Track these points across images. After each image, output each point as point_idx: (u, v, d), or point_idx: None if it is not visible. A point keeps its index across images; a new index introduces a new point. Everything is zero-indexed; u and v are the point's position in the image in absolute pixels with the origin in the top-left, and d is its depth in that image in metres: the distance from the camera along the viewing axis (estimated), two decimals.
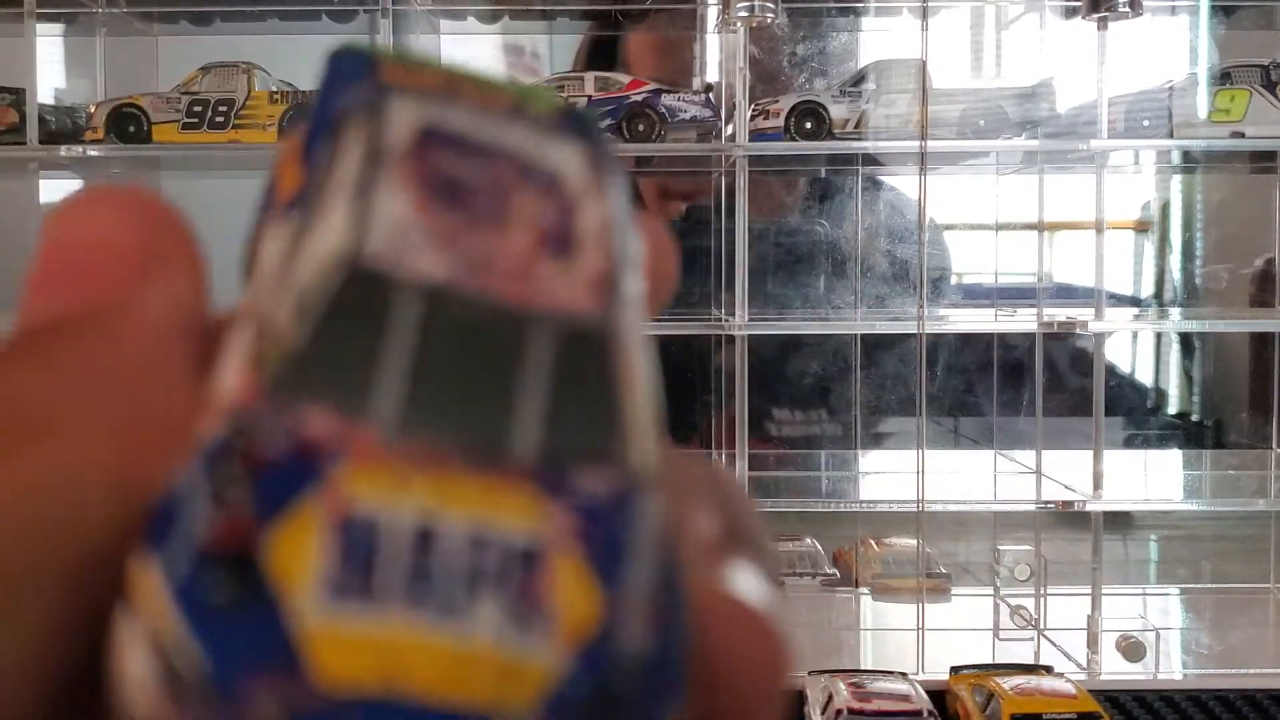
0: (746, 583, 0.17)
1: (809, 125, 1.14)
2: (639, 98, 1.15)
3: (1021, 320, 1.22)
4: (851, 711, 0.90)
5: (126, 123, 1.14)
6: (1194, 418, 1.57)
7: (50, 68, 1.17)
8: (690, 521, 0.17)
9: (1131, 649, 1.07)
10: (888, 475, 1.41)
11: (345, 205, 0.17)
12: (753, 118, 1.13)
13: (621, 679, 0.15)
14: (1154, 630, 1.08)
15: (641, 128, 1.14)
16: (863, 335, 1.35)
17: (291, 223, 0.17)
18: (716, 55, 1.27)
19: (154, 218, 0.19)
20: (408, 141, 0.17)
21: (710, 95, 1.18)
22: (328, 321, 0.16)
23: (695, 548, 0.17)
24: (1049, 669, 1.01)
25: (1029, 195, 1.24)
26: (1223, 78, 1.12)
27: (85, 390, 0.16)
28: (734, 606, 0.17)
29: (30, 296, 0.18)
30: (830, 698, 0.93)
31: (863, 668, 1.02)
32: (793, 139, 1.14)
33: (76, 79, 1.30)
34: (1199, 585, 1.36)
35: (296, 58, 1.25)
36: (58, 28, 1.26)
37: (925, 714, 0.89)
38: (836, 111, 1.14)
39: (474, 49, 1.45)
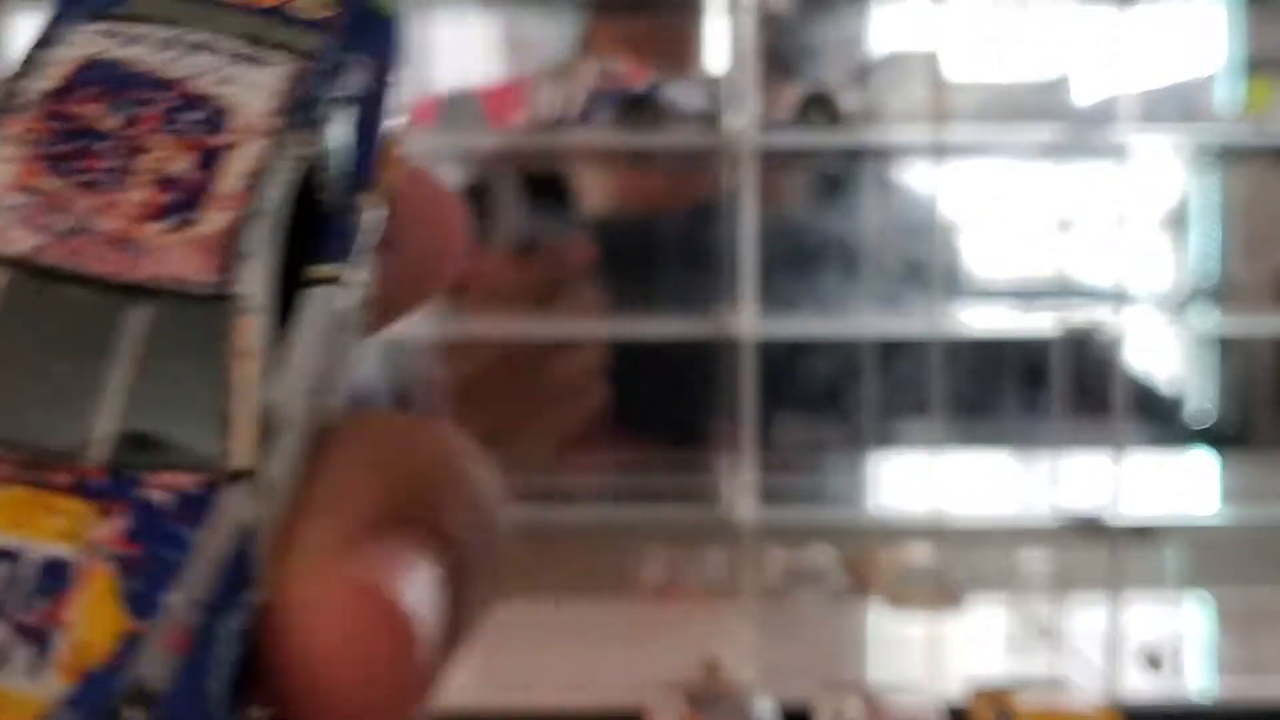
0: (380, 571, 0.15)
1: (819, 115, 1.12)
2: (641, 87, 1.13)
3: (1041, 321, 1.20)
4: None
5: None
6: (1219, 421, 1.54)
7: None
8: (331, 503, 0.16)
9: (1153, 661, 1.05)
10: (903, 484, 1.39)
11: None
12: (761, 108, 1.11)
13: (132, 710, 0.14)
14: (1176, 642, 1.07)
15: (643, 118, 1.12)
16: (876, 336, 1.33)
17: None
18: (720, 45, 1.25)
19: None
20: (53, 84, 0.16)
21: (716, 84, 1.16)
22: None
23: (322, 537, 0.15)
24: (1068, 682, 0.99)
25: (1048, 190, 1.21)
26: (1253, 68, 1.10)
27: None
28: (347, 597, 0.15)
29: None
30: (841, 714, 0.91)
31: (874, 680, 1.00)
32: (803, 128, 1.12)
33: None
34: (1222, 595, 1.33)
35: None
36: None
37: None
38: (847, 101, 1.12)
39: (470, 36, 1.43)
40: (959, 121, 1.12)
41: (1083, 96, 1.14)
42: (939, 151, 1.10)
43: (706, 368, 1.26)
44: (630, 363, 1.39)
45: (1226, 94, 1.09)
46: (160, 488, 0.15)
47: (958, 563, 1.28)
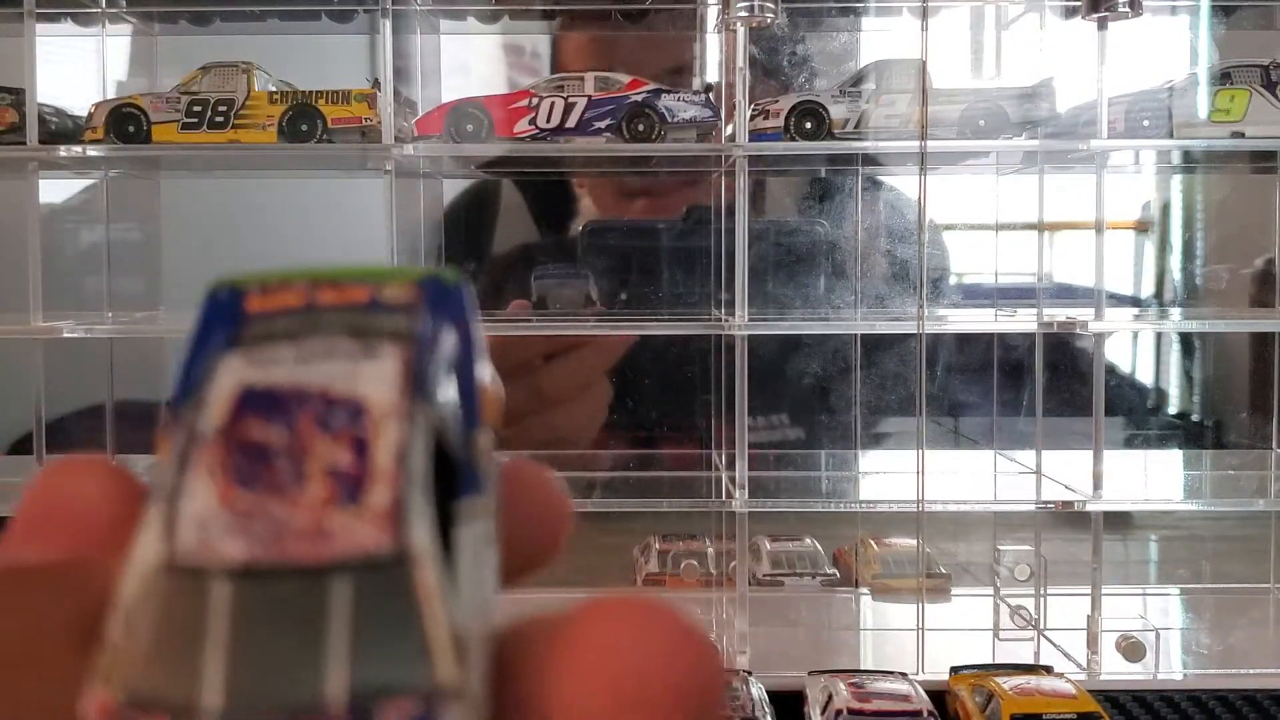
0: None
1: (809, 125, 1.14)
2: (639, 97, 1.15)
3: (1021, 320, 1.22)
4: (851, 711, 0.90)
5: (126, 123, 1.14)
6: (1194, 418, 1.57)
7: (50, 68, 1.17)
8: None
9: (1131, 649, 1.07)
10: (888, 475, 1.41)
11: (158, 513, 0.19)
12: (752, 118, 1.13)
13: None
14: (1154, 630, 1.08)
15: (641, 128, 1.14)
16: (862, 335, 1.35)
17: (151, 518, 0.20)
18: (716, 55, 1.27)
19: (125, 486, 0.22)
20: (223, 417, 0.20)
21: (710, 95, 1.18)
22: (155, 629, 0.18)
23: None
24: (1049, 669, 1.01)
25: (1029, 195, 1.24)
26: (1223, 78, 1.12)
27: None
28: None
29: (8, 540, 0.22)
30: (830, 698, 0.93)
31: (862, 668, 1.02)
32: (792, 139, 1.14)
33: (76, 79, 1.30)
34: (1199, 585, 1.36)
35: (296, 58, 1.25)
36: (58, 27, 1.26)
37: (925, 714, 0.89)
38: (836, 111, 1.14)
39: (474, 48, 1.45)
40: (943, 128, 1.14)
41: (1062, 105, 1.17)
42: (924, 158, 1.12)
43: (702, 364, 1.29)
44: (630, 360, 1.42)
45: (1199, 101, 1.12)
46: (393, 714, 0.17)
47: (942, 552, 1.31)
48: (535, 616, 0.20)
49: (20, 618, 0.19)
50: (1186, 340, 1.58)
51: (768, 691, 0.95)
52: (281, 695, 0.18)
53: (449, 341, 0.21)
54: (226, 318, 0.21)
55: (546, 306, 1.32)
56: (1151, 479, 1.43)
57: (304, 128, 1.13)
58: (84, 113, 1.17)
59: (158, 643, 0.18)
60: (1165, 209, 1.55)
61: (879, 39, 1.34)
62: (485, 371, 0.22)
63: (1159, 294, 1.54)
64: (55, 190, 1.35)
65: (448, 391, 0.21)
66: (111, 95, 1.18)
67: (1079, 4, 1.08)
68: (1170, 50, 1.34)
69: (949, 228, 1.48)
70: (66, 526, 0.21)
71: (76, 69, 1.30)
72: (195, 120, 1.14)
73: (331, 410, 0.20)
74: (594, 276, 1.34)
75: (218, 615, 0.18)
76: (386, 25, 1.12)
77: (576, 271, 1.32)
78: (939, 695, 0.96)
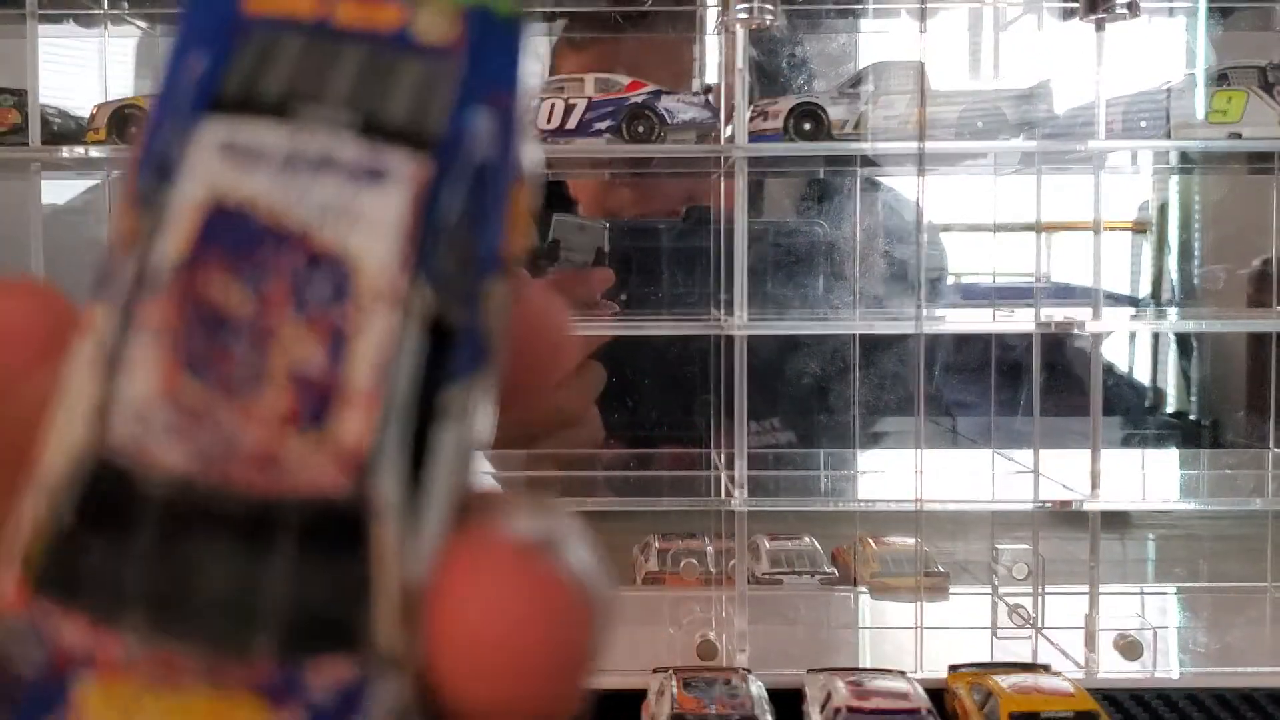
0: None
1: (808, 126, 1.14)
2: (639, 99, 1.16)
3: (1019, 320, 1.23)
4: (850, 709, 0.90)
5: (128, 123, 1.14)
6: (1191, 417, 1.58)
7: (52, 68, 1.18)
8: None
9: (1129, 648, 1.07)
10: (886, 475, 1.41)
11: (92, 383, 0.16)
12: (752, 119, 1.13)
13: None
14: (1151, 629, 1.09)
15: (641, 129, 1.15)
16: (861, 335, 1.36)
17: (73, 372, 0.17)
18: (716, 57, 1.28)
19: (55, 308, 0.20)
20: (183, 248, 0.16)
21: (710, 97, 1.18)
22: (78, 521, 0.16)
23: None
24: (1047, 667, 1.01)
25: (1027, 196, 1.24)
26: (1220, 79, 1.13)
27: None
28: None
29: None
30: (829, 696, 0.93)
31: (861, 666, 1.02)
32: (792, 140, 1.14)
33: (78, 80, 1.30)
34: (1196, 584, 1.36)
35: None
36: (60, 28, 1.27)
37: (924, 712, 0.90)
38: (835, 113, 1.15)
39: None
40: (941, 129, 1.15)
41: (1060, 106, 1.18)
42: (922, 159, 1.13)
43: (702, 364, 1.29)
44: (631, 360, 1.42)
45: (1197, 102, 1.12)
46: (323, 684, 0.16)
47: (940, 551, 1.31)
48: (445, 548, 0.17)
49: None
50: (1184, 340, 1.59)
51: (767, 689, 0.95)
52: (206, 633, 0.16)
53: (485, 129, 0.16)
54: (216, 19, 0.17)
55: (557, 256, 1.32)
56: (1149, 478, 1.44)
57: None
58: (86, 114, 1.17)
59: (81, 539, 0.16)
60: (1163, 210, 1.56)
61: (877, 40, 1.35)
62: (524, 175, 0.17)
63: (1156, 294, 1.55)
64: (57, 191, 1.35)
65: (463, 226, 0.16)
66: (113, 96, 1.18)
67: (1077, 5, 1.09)
68: (1168, 51, 1.34)
69: (947, 228, 1.49)
70: None
71: (78, 70, 1.30)
72: None
73: (311, 275, 0.16)
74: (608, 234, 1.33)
75: (147, 526, 0.16)
76: None
77: (594, 222, 1.32)
78: (937, 693, 0.96)
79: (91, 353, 0.17)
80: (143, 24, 1.31)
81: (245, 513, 0.16)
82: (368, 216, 0.16)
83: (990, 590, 1.20)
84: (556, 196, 1.64)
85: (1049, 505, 1.14)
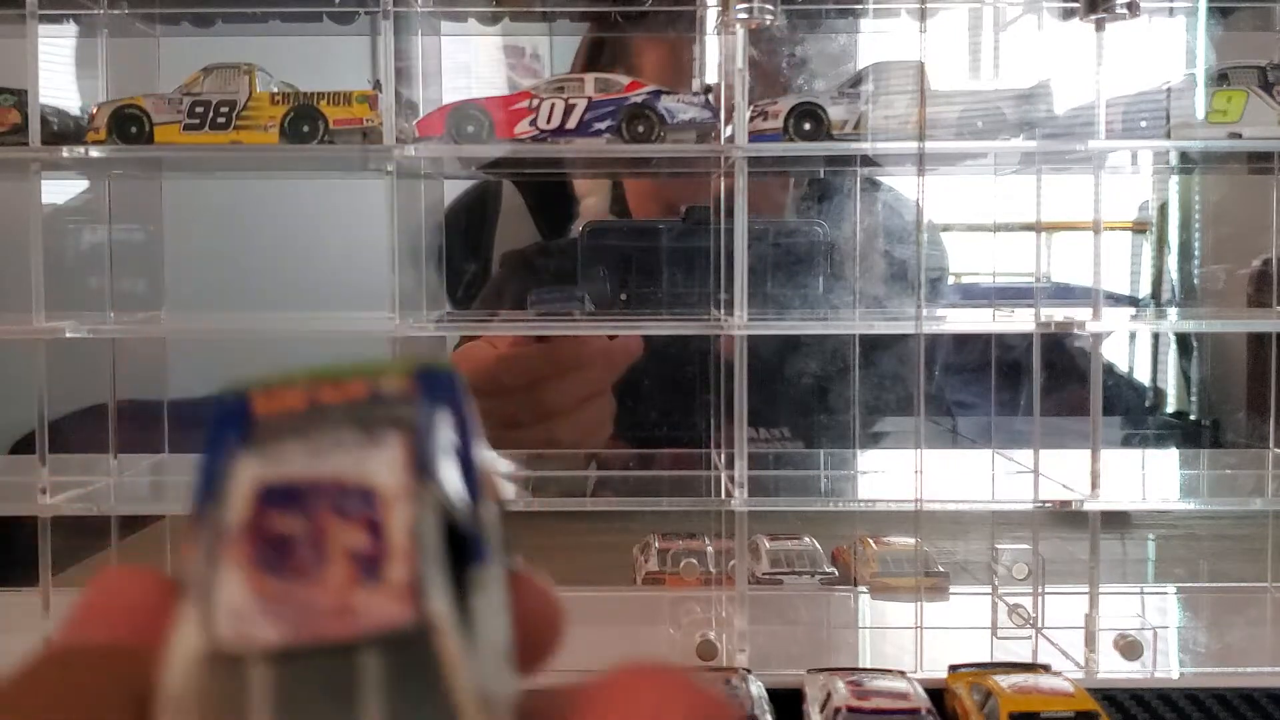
0: None
1: (808, 126, 1.14)
2: (639, 98, 1.16)
3: (1019, 320, 1.23)
4: (850, 709, 0.90)
5: (128, 124, 1.14)
6: (1191, 417, 1.58)
7: (52, 69, 1.18)
8: None
9: (1129, 647, 1.08)
10: (886, 475, 1.41)
11: (195, 605, 0.21)
12: (751, 119, 1.13)
13: None
14: (1151, 629, 1.09)
15: (641, 129, 1.15)
16: (861, 335, 1.36)
17: (185, 613, 0.21)
18: (716, 57, 1.28)
19: (167, 585, 0.24)
20: (245, 515, 0.22)
21: (710, 97, 1.18)
22: (201, 714, 0.20)
23: None
24: (1047, 667, 1.01)
25: (1027, 196, 1.24)
26: (1220, 79, 1.13)
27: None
28: None
29: (65, 628, 0.24)
30: (829, 695, 0.93)
31: (861, 666, 1.02)
32: (791, 140, 1.14)
33: (79, 80, 1.30)
34: (1196, 584, 1.36)
35: (298, 59, 1.25)
36: (60, 29, 1.27)
37: (924, 712, 0.90)
38: (835, 113, 1.15)
39: (474, 50, 1.45)
40: (941, 129, 1.15)
41: (1060, 106, 1.18)
42: (922, 159, 1.13)
43: (701, 364, 1.29)
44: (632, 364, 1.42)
45: (1197, 102, 1.12)
46: None
47: (940, 551, 1.31)
48: (559, 686, 0.22)
49: (85, 694, 0.22)
50: (1184, 340, 1.59)
51: (767, 689, 0.95)
52: None
53: (446, 425, 0.23)
54: (236, 421, 0.23)
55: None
56: (1149, 478, 1.44)
57: (305, 129, 1.14)
58: (86, 114, 1.17)
59: (204, 711, 0.20)
60: (1163, 209, 1.56)
61: (877, 41, 1.35)
62: (482, 450, 0.24)
63: (1156, 294, 1.55)
64: (58, 191, 1.35)
65: (450, 471, 0.23)
66: (113, 96, 1.18)
67: (1077, 5, 1.09)
68: (1168, 51, 1.34)
69: (947, 228, 1.49)
70: (117, 619, 0.24)
71: (79, 70, 1.31)
72: (197, 121, 1.14)
73: (345, 497, 0.22)
74: (589, 296, 1.35)
75: (259, 697, 0.20)
76: (388, 27, 1.13)
77: (572, 294, 1.33)
78: (937, 693, 0.96)
79: (189, 593, 0.21)
80: (142, 24, 1.31)
81: (334, 659, 0.20)
82: (377, 461, 0.22)
83: (990, 590, 1.20)
84: (558, 196, 1.64)
85: (1049, 505, 1.14)
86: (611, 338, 1.38)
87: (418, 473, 0.22)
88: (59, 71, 1.24)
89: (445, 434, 0.23)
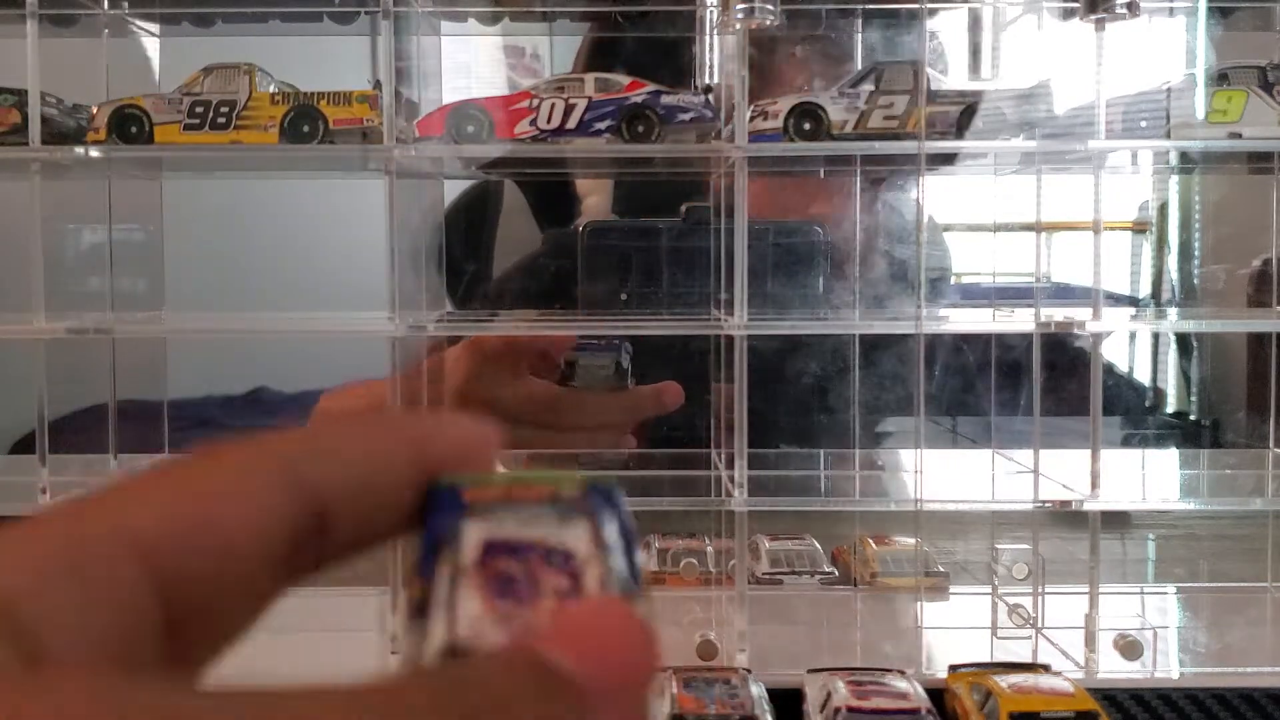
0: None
1: (807, 126, 1.14)
2: (639, 98, 1.16)
3: (1019, 320, 1.23)
4: (850, 709, 0.90)
5: (129, 124, 1.14)
6: (1191, 417, 1.58)
7: (52, 68, 1.18)
8: None
9: (1129, 647, 1.07)
10: (886, 475, 1.41)
11: (442, 615, 0.29)
12: (751, 119, 1.13)
13: None
14: (1152, 629, 1.09)
15: (641, 129, 1.15)
16: (861, 335, 1.36)
17: (417, 626, 0.29)
18: (716, 56, 1.28)
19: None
20: (475, 558, 0.30)
21: (710, 97, 1.18)
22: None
23: None
24: (1047, 667, 1.01)
25: (1027, 196, 1.24)
26: (1220, 79, 1.13)
27: None
28: None
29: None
30: (829, 695, 0.93)
31: (861, 666, 1.02)
32: (791, 140, 1.14)
33: (79, 80, 1.30)
34: (1196, 584, 1.36)
35: (298, 59, 1.25)
36: (60, 28, 1.27)
37: (924, 712, 0.90)
38: (835, 113, 1.15)
39: (474, 50, 1.45)
40: (941, 129, 1.15)
41: (1060, 106, 1.18)
42: (922, 159, 1.13)
43: (701, 364, 1.29)
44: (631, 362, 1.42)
45: (1197, 102, 1.12)
46: None
47: (940, 551, 1.31)
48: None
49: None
50: (1184, 340, 1.59)
51: (767, 689, 0.95)
52: None
53: (614, 519, 0.31)
54: (453, 502, 0.31)
55: (574, 378, 1.34)
56: (1149, 478, 1.44)
57: (305, 129, 1.14)
58: (86, 114, 1.17)
59: None
60: (1163, 209, 1.56)
61: (877, 40, 1.35)
62: (635, 539, 0.32)
63: (1156, 294, 1.55)
64: (58, 191, 1.35)
65: (618, 549, 0.31)
66: (114, 96, 1.18)
67: (1077, 5, 1.09)
68: (1168, 51, 1.34)
69: (948, 228, 1.49)
70: None
71: (79, 70, 1.31)
72: (197, 121, 1.14)
73: (550, 554, 0.30)
74: (628, 351, 1.35)
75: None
76: (387, 27, 1.13)
77: (610, 343, 1.34)
78: (937, 693, 0.96)
79: (439, 599, 0.29)
80: (142, 24, 1.31)
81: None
82: (571, 534, 0.31)
83: (990, 590, 1.20)
84: (559, 196, 1.64)
85: (1049, 505, 1.14)
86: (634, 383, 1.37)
87: (600, 546, 0.30)
88: (59, 71, 1.24)
89: (614, 525, 0.31)
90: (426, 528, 0.31)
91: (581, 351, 1.34)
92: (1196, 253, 1.52)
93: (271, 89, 1.16)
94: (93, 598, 0.25)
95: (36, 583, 0.25)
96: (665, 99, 1.16)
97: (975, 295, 1.45)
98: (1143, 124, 1.11)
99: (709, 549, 1.27)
